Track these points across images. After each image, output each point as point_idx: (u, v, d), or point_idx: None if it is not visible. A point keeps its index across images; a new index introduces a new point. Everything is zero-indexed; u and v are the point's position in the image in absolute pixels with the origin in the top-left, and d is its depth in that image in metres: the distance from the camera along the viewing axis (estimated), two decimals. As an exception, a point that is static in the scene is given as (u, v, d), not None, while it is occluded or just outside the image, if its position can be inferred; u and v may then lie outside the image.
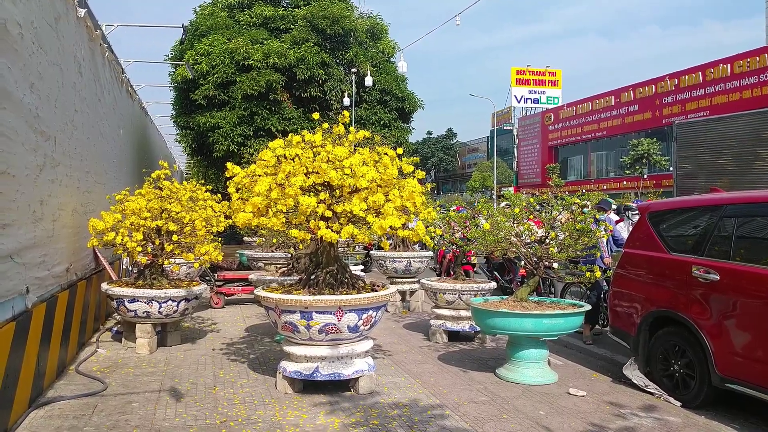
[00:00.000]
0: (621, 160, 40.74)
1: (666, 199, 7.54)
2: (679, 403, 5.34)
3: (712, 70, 32.41)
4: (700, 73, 33.41)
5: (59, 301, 5.92)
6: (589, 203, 6.80)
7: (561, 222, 6.76)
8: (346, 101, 22.40)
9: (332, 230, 5.22)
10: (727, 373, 4.93)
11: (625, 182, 38.84)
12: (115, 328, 7.87)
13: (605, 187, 38.29)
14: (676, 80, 35.13)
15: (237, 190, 5.65)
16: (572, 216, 6.52)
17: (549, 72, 54.95)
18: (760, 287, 4.77)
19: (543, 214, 6.74)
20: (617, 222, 9.06)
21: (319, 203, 5.22)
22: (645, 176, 35.83)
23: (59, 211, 6.35)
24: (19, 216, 4.95)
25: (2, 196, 4.53)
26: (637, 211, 7.42)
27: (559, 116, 48.43)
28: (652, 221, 6.16)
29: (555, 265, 7.01)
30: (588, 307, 6.28)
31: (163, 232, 7.24)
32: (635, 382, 5.76)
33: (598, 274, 6.25)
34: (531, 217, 7.28)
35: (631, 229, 7.02)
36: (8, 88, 4.67)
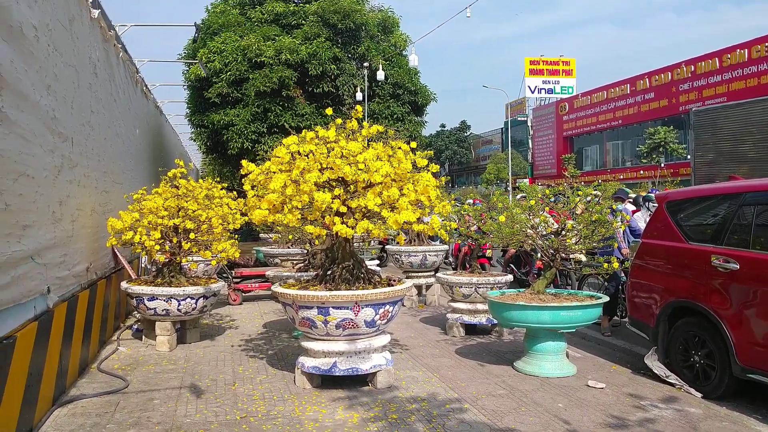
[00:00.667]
0: (637, 149, 40.28)
1: (684, 188, 7.45)
2: (699, 395, 5.29)
3: (729, 56, 31.90)
4: (716, 58, 32.91)
5: (80, 300, 6.00)
6: (599, 194, 6.74)
7: (577, 213, 6.71)
8: (359, 96, 22.39)
9: (347, 225, 5.23)
10: (749, 363, 4.88)
11: (641, 171, 38.41)
12: (135, 326, 7.96)
13: (621, 177, 37.94)
14: (693, 67, 34.64)
15: (252, 187, 5.67)
16: (588, 207, 6.47)
17: (563, 61, 54.48)
18: (781, 276, 4.70)
19: (561, 205, 6.69)
20: (633, 212, 8.98)
21: (333, 199, 5.23)
22: (662, 165, 35.41)
23: (78, 212, 6.42)
24: (39, 217, 5.02)
25: (22, 197, 4.60)
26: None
27: (574, 106, 47.99)
28: (669, 211, 6.09)
29: (582, 258, 6.95)
30: (606, 298, 6.24)
31: (180, 231, 7.30)
32: (656, 372, 5.71)
33: (616, 265, 6.20)
34: (547, 209, 7.23)
35: (648, 219, 6.95)
36: (25, 91, 4.73)
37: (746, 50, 30.98)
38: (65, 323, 5.41)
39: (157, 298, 6.96)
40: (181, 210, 7.27)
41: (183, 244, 7.24)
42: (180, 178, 7.60)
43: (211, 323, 8.82)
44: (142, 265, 10.33)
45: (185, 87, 22.70)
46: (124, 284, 7.30)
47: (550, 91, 54.00)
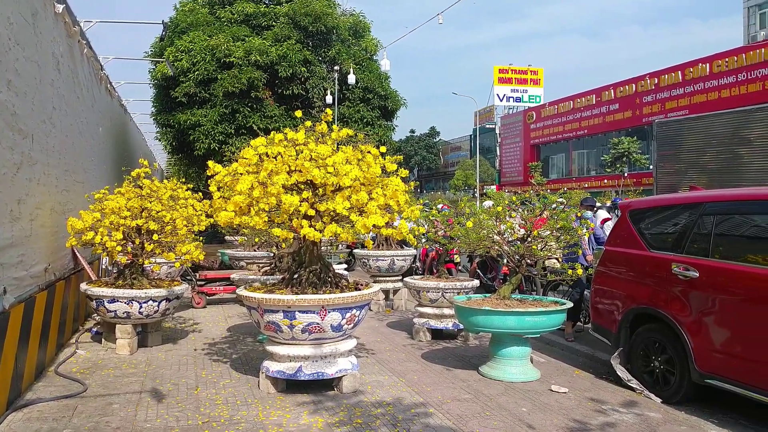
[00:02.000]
0: (602, 158, 41.18)
1: (646, 197, 7.64)
2: (659, 399, 5.41)
3: (692, 70, 32.85)
4: (679, 72, 33.84)
5: (37, 301, 5.84)
6: (564, 201, 6.87)
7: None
8: (329, 99, 22.35)
9: (315, 229, 5.21)
10: (707, 368, 5.02)
11: (605, 180, 39.25)
12: (95, 329, 7.78)
13: (586, 185, 38.71)
14: (656, 79, 35.55)
15: (218, 189, 5.61)
16: (554, 214, 6.58)
17: (531, 71, 55.32)
18: (737, 284, 4.86)
19: (526, 212, 6.79)
20: (606, 220, 9.17)
21: (302, 202, 5.21)
22: (625, 174, 36.22)
23: (37, 211, 6.26)
24: (-4, 215, 4.87)
25: (-22, 195, 4.46)
26: None
27: (541, 115, 48.80)
28: (632, 219, 6.23)
29: (556, 264, 7.05)
30: (570, 304, 6.34)
31: (143, 232, 7.18)
32: (619, 374, 5.82)
33: (580, 271, 6.31)
34: (514, 215, 7.31)
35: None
36: (-16, 85, 4.60)
37: (708, 65, 31.95)
38: (21, 325, 5.26)
39: (117, 301, 6.82)
40: (144, 210, 7.14)
41: (146, 245, 7.12)
42: (144, 178, 7.47)
43: (174, 326, 8.68)
44: (103, 267, 10.12)
45: (151, 86, 22.34)
46: (83, 286, 7.14)
47: (518, 99, 54.77)
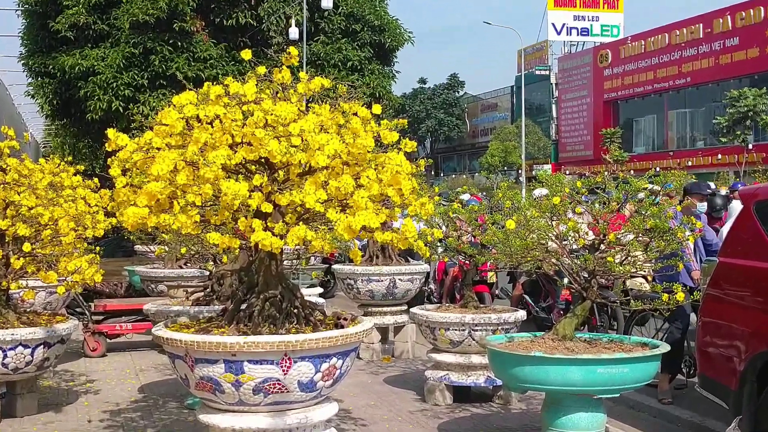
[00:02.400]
0: (714, 121, 41.30)
1: (782, 182, 7.64)
2: (803, 492, 5.43)
3: None
4: (832, -12, 33.94)
5: None
6: (658, 189, 6.87)
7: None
8: (294, 33, 22.35)
9: (273, 233, 5.20)
10: None
11: (719, 156, 39.43)
12: (-65, 390, 7.79)
13: (690, 164, 38.91)
14: (797, -1, 35.64)
15: (124, 173, 5.60)
16: (641, 208, 6.58)
17: (604, -13, 55.41)
18: None
19: (597, 205, 6.79)
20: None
21: (252, 191, 5.20)
22: (750, 146, 36.34)
23: None
24: None
25: None
26: None
27: (620, 55, 48.92)
28: (760, 215, 6.23)
29: (644, 285, 7.02)
30: (666, 347, 6.34)
31: (7, 239, 7.18)
32: (739, 457, 5.84)
33: (681, 296, 6.30)
34: (579, 210, 7.32)
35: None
36: None
37: None
38: None
39: (-31, 346, 6.83)
40: (9, 207, 7.14)
41: (12, 260, 7.12)
42: (8, 155, 7.46)
43: (57, 386, 8.71)
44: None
45: (19, 14, 22.33)
46: None
47: (585, 31, 54.94)
